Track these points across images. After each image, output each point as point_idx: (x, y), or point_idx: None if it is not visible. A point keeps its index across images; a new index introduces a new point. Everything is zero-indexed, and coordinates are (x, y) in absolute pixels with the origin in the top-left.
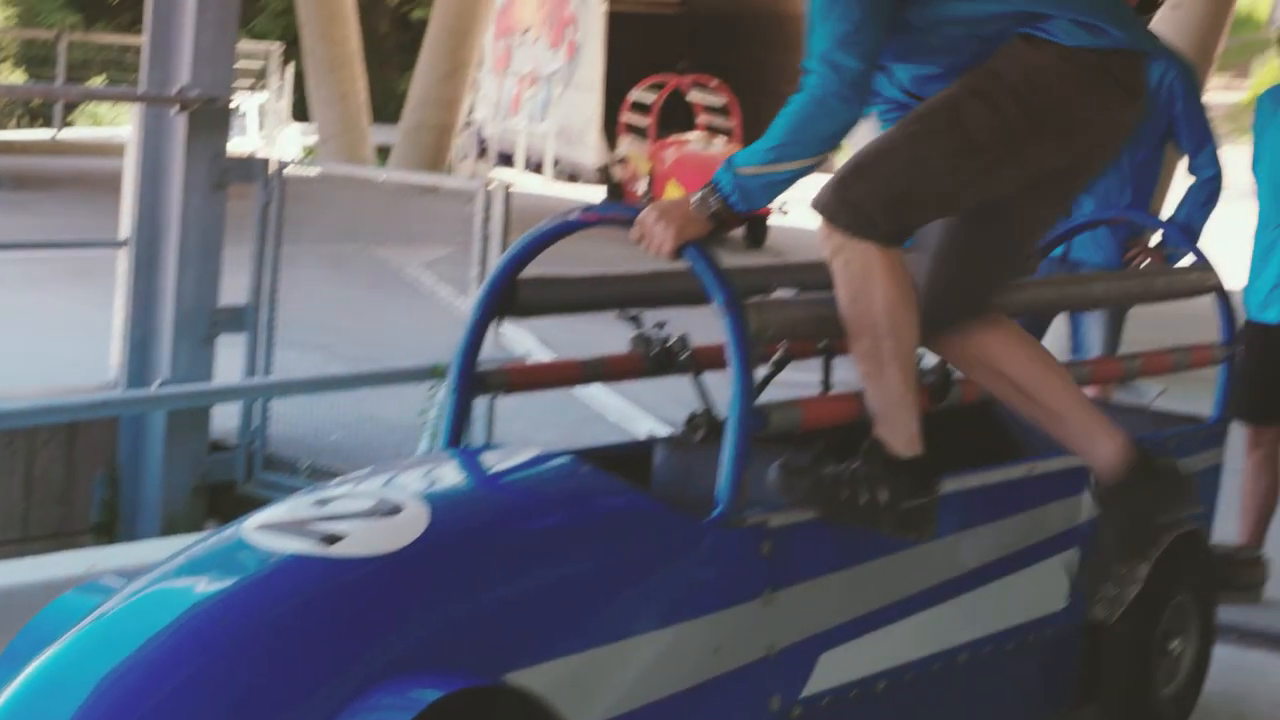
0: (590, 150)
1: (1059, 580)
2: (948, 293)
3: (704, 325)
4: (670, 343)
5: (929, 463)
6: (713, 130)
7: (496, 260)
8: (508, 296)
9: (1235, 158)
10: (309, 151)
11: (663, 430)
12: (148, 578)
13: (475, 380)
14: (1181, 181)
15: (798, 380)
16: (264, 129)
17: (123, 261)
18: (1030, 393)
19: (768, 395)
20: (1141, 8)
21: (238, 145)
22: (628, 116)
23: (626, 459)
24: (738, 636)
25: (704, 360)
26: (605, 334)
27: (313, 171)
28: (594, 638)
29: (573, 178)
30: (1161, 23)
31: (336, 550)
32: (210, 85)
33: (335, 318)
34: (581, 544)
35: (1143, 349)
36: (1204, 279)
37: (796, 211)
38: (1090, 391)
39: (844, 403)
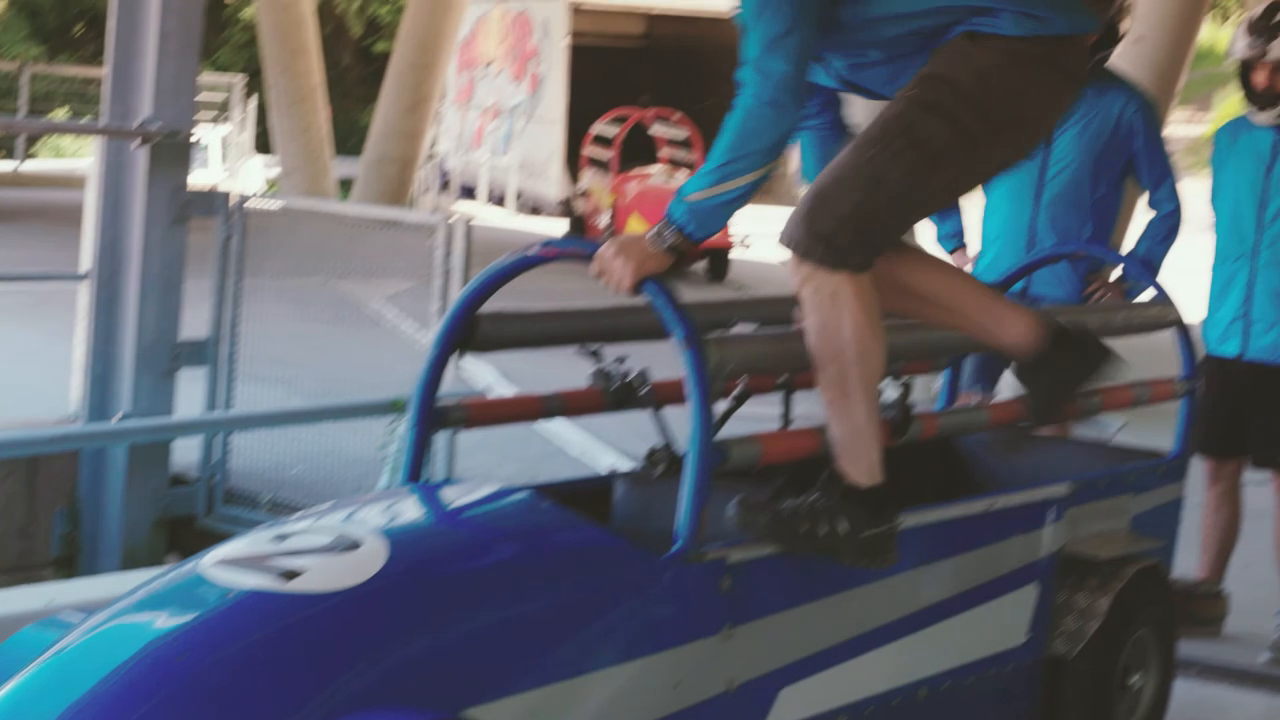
0: (553, 183)
1: (1019, 615)
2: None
3: (665, 360)
4: (630, 378)
5: (888, 491)
6: (675, 163)
7: (458, 294)
8: (467, 332)
9: (1197, 191)
10: (272, 184)
11: (625, 464)
12: (106, 613)
13: (435, 415)
14: (1142, 216)
15: (759, 414)
16: (227, 161)
17: (84, 294)
18: (941, 301)
19: (728, 430)
20: (1103, 42)
21: (200, 178)
22: (590, 150)
23: (587, 494)
24: (697, 672)
25: (664, 395)
26: (568, 366)
27: (274, 205)
28: (552, 673)
29: (535, 211)
30: (1123, 56)
31: (295, 586)
32: (172, 119)
33: (297, 351)
34: (540, 579)
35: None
36: (1164, 314)
37: (758, 244)
38: (1050, 427)
39: (804, 437)
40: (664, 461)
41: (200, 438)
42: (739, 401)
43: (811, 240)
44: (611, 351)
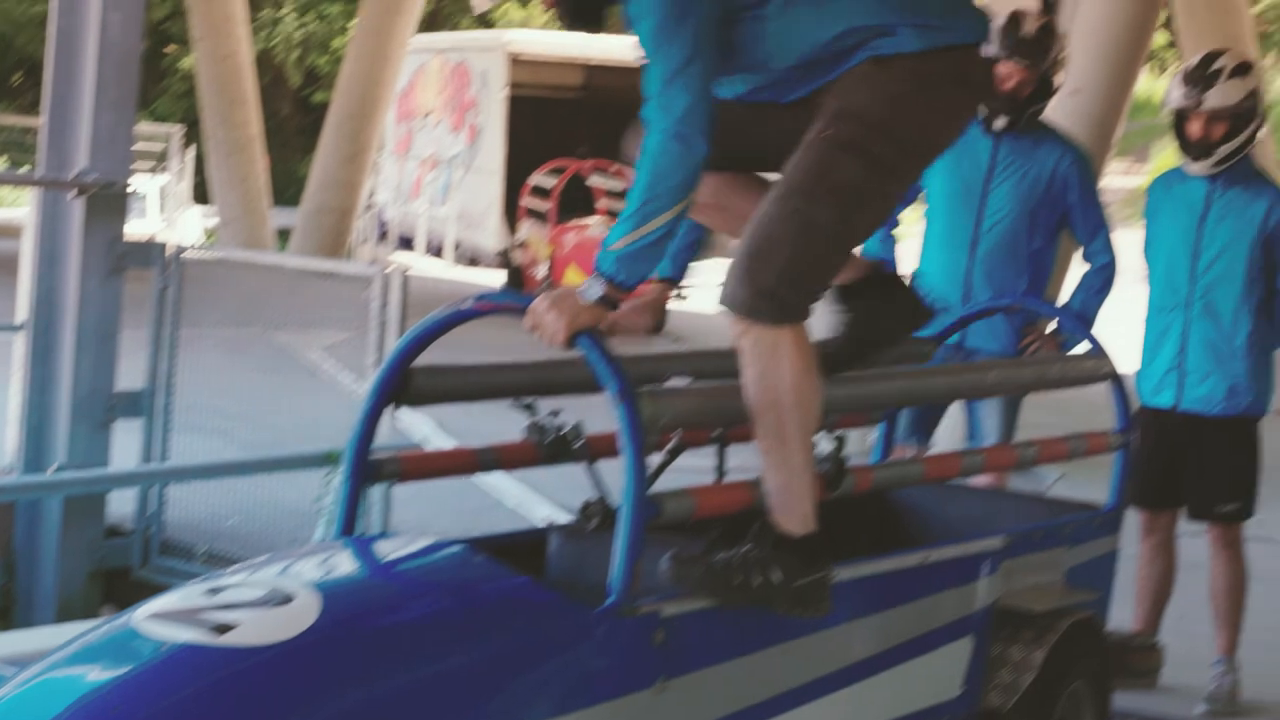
0: (491, 234)
1: (954, 668)
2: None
3: (601, 413)
4: (564, 431)
5: (820, 540)
6: (613, 215)
7: (394, 346)
8: (401, 385)
9: (1134, 242)
10: (210, 234)
11: (561, 517)
12: (40, 666)
13: (368, 469)
14: (1078, 268)
15: (696, 466)
16: (164, 211)
17: (19, 345)
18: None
19: (663, 483)
20: (1037, 94)
21: (138, 227)
22: (528, 200)
23: (521, 547)
24: None
25: (599, 448)
26: (507, 418)
27: (211, 255)
28: None
29: (473, 261)
30: (1059, 109)
31: (228, 640)
32: (108, 170)
33: (234, 402)
34: (473, 634)
35: (1040, 434)
36: (1098, 367)
37: (696, 295)
38: (985, 479)
39: (738, 490)
40: (598, 515)
41: (136, 489)
42: (673, 455)
43: (755, 299)
44: (547, 405)
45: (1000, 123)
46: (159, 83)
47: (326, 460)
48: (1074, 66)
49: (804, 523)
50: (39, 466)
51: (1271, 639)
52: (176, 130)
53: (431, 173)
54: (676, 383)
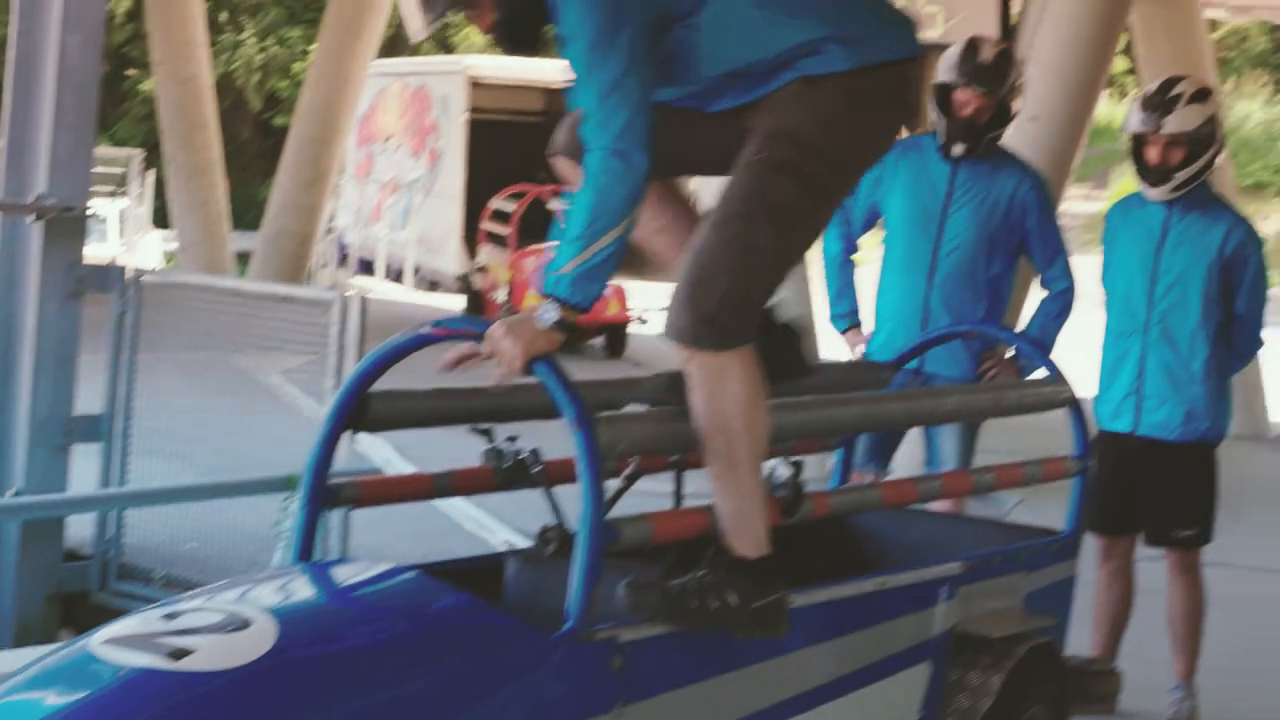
0: (450, 259)
1: (911, 693)
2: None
3: (559, 438)
4: (522, 456)
5: (775, 562)
6: None
7: (352, 370)
8: (358, 410)
9: (1093, 268)
10: (170, 258)
11: (520, 541)
12: None
13: (326, 494)
14: (1037, 294)
15: (654, 490)
16: (124, 235)
17: None
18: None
19: (621, 508)
20: (995, 121)
21: (97, 251)
22: (488, 225)
23: (479, 572)
24: None
25: (556, 474)
26: (468, 442)
27: (170, 279)
28: None
29: (433, 286)
30: (1017, 135)
31: (184, 665)
32: (66, 194)
33: (193, 426)
34: (429, 659)
35: (1000, 459)
36: (1057, 393)
37: (656, 320)
38: (943, 505)
39: (695, 516)
40: (556, 540)
41: (95, 513)
42: (630, 481)
43: (698, 327)
44: (504, 430)
45: (959, 149)
46: (119, 106)
47: (285, 485)
48: (1032, 93)
49: (758, 545)
50: None
51: (1230, 664)
52: (137, 154)
53: (392, 197)
54: (634, 408)
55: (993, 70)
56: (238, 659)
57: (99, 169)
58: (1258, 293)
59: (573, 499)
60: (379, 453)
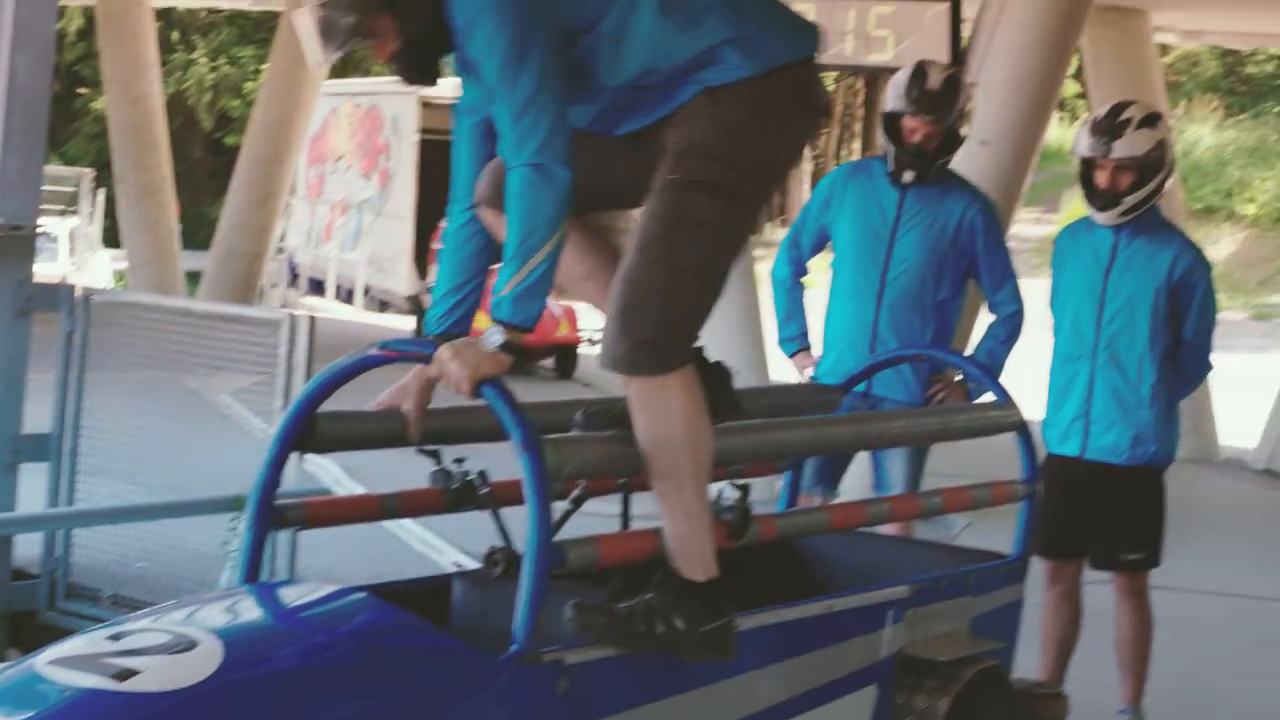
0: (401, 279)
1: (858, 717)
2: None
3: (507, 460)
4: (470, 478)
5: (723, 585)
6: None
7: (300, 390)
8: (305, 431)
9: (1042, 291)
10: (120, 277)
11: (470, 562)
12: None
13: (273, 515)
14: (986, 317)
15: (603, 512)
16: (74, 254)
17: None
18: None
19: (569, 530)
20: (944, 147)
21: (47, 270)
22: (439, 245)
23: (427, 594)
24: None
25: (504, 495)
26: (419, 463)
27: (119, 299)
28: None
29: (384, 306)
30: (967, 160)
31: (129, 685)
32: (16, 212)
33: (142, 446)
34: (375, 681)
35: (948, 482)
36: (1005, 416)
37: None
38: (891, 528)
39: (642, 539)
40: (503, 562)
41: (42, 532)
42: (577, 504)
43: (635, 353)
44: (452, 452)
45: (908, 176)
46: (70, 125)
47: (234, 505)
48: (983, 116)
49: (706, 568)
50: None
51: (1178, 687)
52: (87, 173)
53: (342, 217)
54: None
55: (941, 97)
56: (183, 680)
57: (49, 187)
58: (1206, 317)
59: (521, 521)
60: (328, 473)
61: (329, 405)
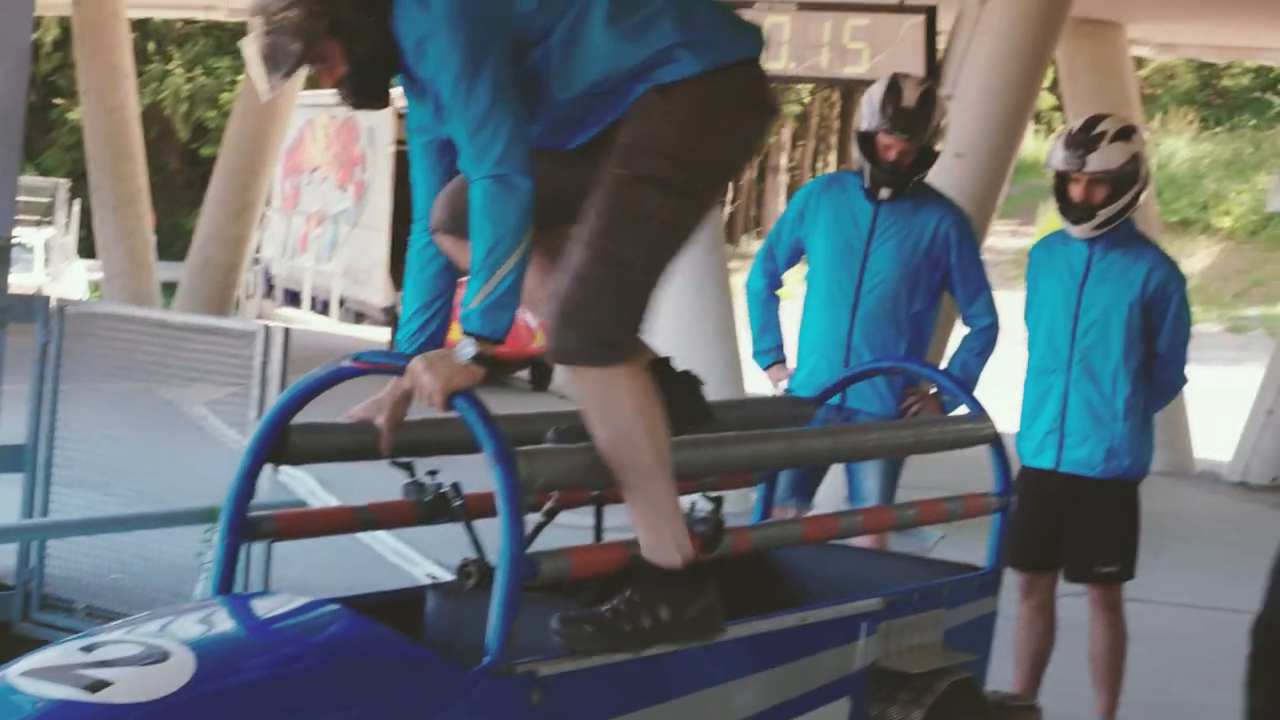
0: (377, 290)
1: None
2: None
3: (480, 472)
4: (444, 490)
5: (699, 565)
6: None
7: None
8: (278, 444)
9: (1017, 303)
10: (95, 288)
11: (444, 574)
12: None
13: (246, 527)
14: (961, 330)
15: (575, 524)
16: (50, 265)
17: None
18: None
19: (542, 542)
20: (919, 162)
21: (22, 280)
22: None
23: (399, 606)
24: None
25: (477, 507)
26: (393, 475)
27: (94, 310)
28: None
29: (359, 317)
30: (942, 173)
31: (101, 697)
32: None
33: (117, 457)
34: (347, 693)
35: (922, 495)
36: (979, 429)
37: None
38: (865, 540)
39: (614, 550)
40: (476, 574)
41: (16, 543)
42: (550, 516)
43: (584, 345)
44: (425, 464)
45: (885, 193)
46: (46, 135)
47: (208, 516)
48: (958, 129)
49: (680, 550)
50: None
51: (1152, 699)
52: (63, 183)
53: (318, 228)
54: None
55: (916, 114)
56: (155, 691)
57: (24, 198)
58: (1180, 330)
59: (495, 533)
60: (302, 485)
61: (303, 417)
